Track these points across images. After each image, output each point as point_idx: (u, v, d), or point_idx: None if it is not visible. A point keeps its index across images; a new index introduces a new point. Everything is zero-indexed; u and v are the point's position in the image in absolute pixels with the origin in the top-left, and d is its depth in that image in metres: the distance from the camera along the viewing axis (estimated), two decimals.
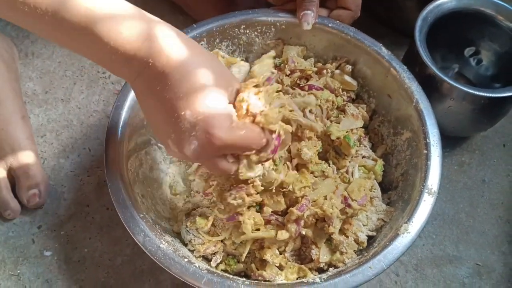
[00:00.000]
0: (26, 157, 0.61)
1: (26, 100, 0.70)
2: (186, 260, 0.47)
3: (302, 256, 0.54)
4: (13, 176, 0.62)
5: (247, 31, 0.62)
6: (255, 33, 0.62)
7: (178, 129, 0.40)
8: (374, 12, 0.78)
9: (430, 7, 0.63)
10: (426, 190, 0.51)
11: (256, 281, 0.50)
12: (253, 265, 0.53)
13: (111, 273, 0.59)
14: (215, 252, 0.53)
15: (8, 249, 0.60)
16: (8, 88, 0.63)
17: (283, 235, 0.51)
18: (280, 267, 0.52)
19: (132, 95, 0.55)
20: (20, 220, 0.62)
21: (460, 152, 0.69)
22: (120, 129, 0.53)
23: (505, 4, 0.63)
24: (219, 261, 0.53)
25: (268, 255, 0.51)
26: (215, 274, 0.47)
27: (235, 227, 0.52)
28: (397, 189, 0.57)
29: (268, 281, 0.51)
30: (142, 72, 0.40)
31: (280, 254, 0.53)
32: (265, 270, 0.51)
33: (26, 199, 0.61)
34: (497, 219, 0.64)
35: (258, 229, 0.51)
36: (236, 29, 0.61)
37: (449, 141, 0.69)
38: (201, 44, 0.60)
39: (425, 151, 0.53)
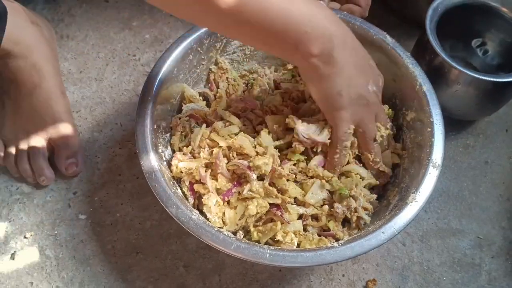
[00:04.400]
0: (65, 129, 0.66)
1: (62, 78, 0.74)
2: (215, 229, 0.51)
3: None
4: (52, 145, 0.67)
5: None
6: None
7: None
8: (386, 3, 0.83)
9: None
10: (431, 164, 0.55)
11: (280, 247, 0.54)
12: (269, 240, 0.56)
13: (141, 236, 0.64)
14: (237, 230, 0.57)
15: (46, 212, 0.65)
16: (50, 65, 0.68)
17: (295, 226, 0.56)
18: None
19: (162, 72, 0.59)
20: (57, 187, 0.67)
21: (466, 135, 0.74)
22: (150, 107, 0.57)
23: None
24: (241, 236, 0.57)
25: (279, 236, 0.55)
26: (243, 241, 0.51)
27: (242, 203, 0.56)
28: (403, 165, 0.61)
29: None
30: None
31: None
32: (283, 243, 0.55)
33: (65, 167, 0.66)
34: (498, 197, 0.69)
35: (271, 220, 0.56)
36: None
37: (456, 125, 0.74)
38: (205, 44, 0.63)
39: (429, 129, 0.57)
